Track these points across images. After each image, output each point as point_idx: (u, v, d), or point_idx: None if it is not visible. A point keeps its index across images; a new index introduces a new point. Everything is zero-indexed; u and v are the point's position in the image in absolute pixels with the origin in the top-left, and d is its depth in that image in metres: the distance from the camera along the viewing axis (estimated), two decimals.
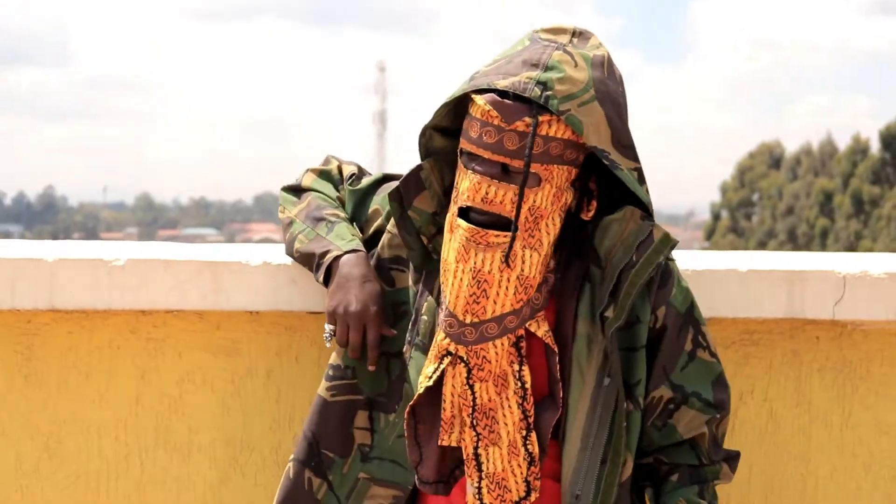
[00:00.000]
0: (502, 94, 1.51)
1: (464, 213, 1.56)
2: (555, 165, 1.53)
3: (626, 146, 1.57)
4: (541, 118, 1.50)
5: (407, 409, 1.62)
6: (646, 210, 1.60)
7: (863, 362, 2.00)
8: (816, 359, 2.00)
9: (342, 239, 1.71)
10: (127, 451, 2.00)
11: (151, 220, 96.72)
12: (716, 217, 48.91)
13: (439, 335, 1.59)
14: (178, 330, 1.99)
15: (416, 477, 1.64)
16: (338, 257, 1.68)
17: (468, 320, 1.55)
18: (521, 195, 1.51)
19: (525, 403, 1.59)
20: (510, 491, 1.59)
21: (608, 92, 1.55)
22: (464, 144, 1.56)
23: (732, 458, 1.70)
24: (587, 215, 1.59)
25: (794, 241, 41.55)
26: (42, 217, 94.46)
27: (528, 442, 1.59)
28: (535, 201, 1.53)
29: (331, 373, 1.71)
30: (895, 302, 1.93)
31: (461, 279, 1.55)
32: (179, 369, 1.99)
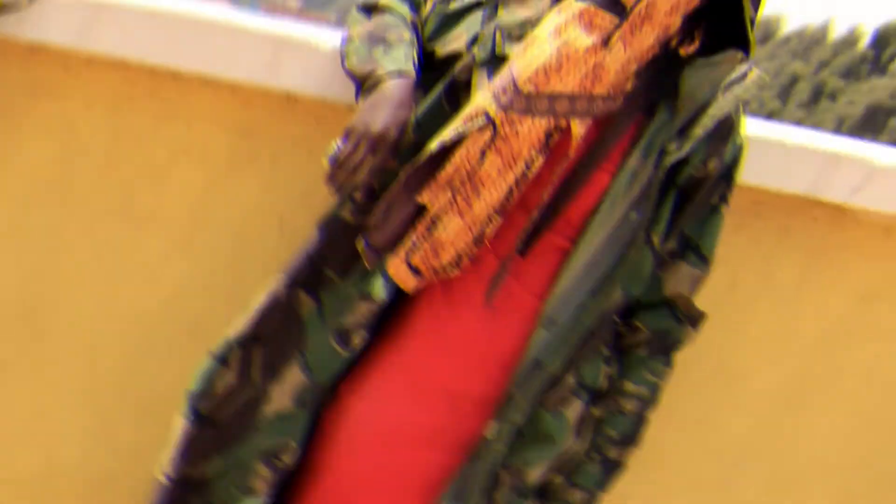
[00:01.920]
0: None
1: None
2: None
3: None
4: None
5: (434, 148, 1.52)
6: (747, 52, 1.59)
7: (838, 249, 2.07)
8: (798, 238, 2.06)
9: (394, 62, 1.59)
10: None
11: None
12: None
13: (481, 96, 1.53)
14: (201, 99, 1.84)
15: (364, 241, 1.58)
16: (382, 76, 1.57)
17: (526, 90, 1.51)
18: None
19: (516, 189, 1.55)
20: (439, 257, 1.56)
21: None
22: None
23: (699, 320, 1.72)
24: (686, 50, 1.57)
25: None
26: None
27: (490, 223, 1.56)
28: None
29: (358, 198, 1.61)
30: None
31: (545, 50, 1.50)
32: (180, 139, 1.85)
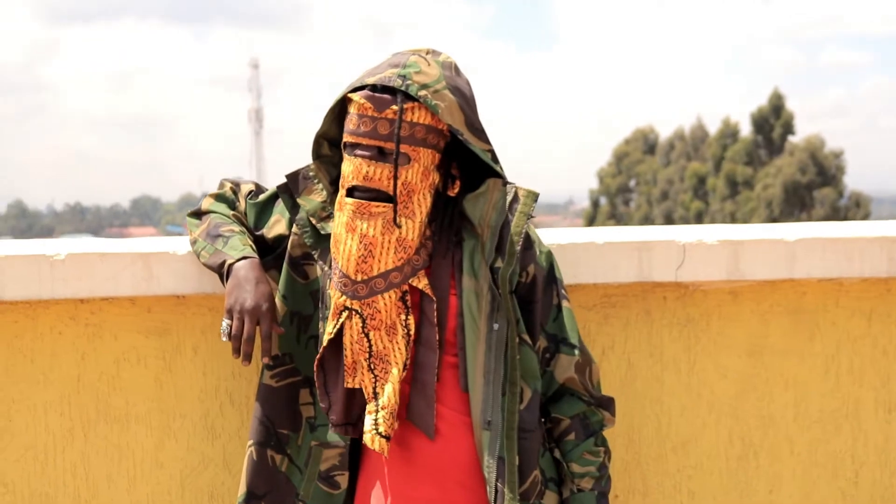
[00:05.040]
0: (373, 90, 1.85)
1: (350, 193, 1.88)
2: (420, 148, 1.87)
3: (478, 129, 1.92)
4: (405, 105, 1.84)
5: (315, 363, 1.93)
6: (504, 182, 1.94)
7: (703, 317, 2.34)
8: (665, 316, 2.34)
9: (235, 249, 2.01)
10: (71, 425, 2.28)
11: (26, 227, 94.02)
12: (595, 204, 50.17)
13: (335, 295, 1.90)
14: (114, 315, 2.28)
15: (329, 421, 1.94)
16: (232, 264, 1.99)
17: (359, 278, 1.87)
18: (395, 169, 1.84)
19: (409, 347, 1.90)
20: (395, 417, 1.90)
21: (457, 85, 1.90)
22: (346, 137, 1.89)
23: (609, 403, 2.03)
24: (452, 192, 1.93)
25: (672, 225, 42.09)
26: None
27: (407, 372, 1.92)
28: (406, 177, 1.86)
29: (271, 363, 2.01)
30: (726, 264, 2.27)
31: (351, 245, 1.87)
32: (116, 350, 2.29)
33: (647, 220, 45.12)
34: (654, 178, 46.88)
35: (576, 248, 2.25)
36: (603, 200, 49.69)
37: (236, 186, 2.16)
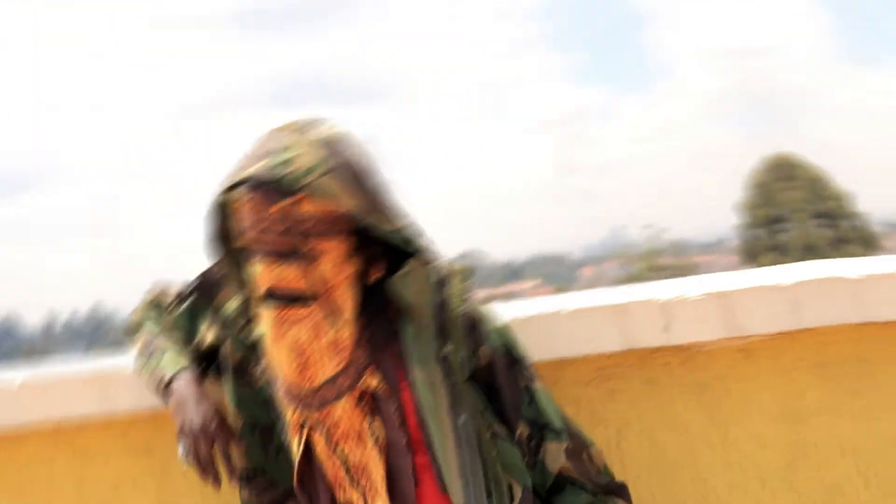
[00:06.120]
0: (253, 186, 1.66)
1: (265, 298, 1.70)
2: (323, 241, 1.67)
3: (382, 206, 1.70)
4: (291, 199, 1.64)
5: (295, 484, 1.78)
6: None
7: (717, 381, 2.08)
8: (674, 384, 2.09)
9: (167, 368, 1.85)
10: None
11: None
12: (746, 239, 48.09)
13: (289, 411, 1.75)
14: (99, 438, 2.20)
15: None
16: (168, 384, 1.83)
17: (306, 389, 1.72)
18: (307, 271, 1.67)
19: (383, 454, 1.73)
20: None
21: (346, 162, 1.68)
22: (240, 239, 1.73)
23: (621, 490, 1.81)
24: (370, 280, 1.75)
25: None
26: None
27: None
28: (319, 275, 1.68)
29: (244, 478, 1.86)
30: (721, 320, 2.01)
31: (282, 358, 1.71)
32: (109, 475, 2.21)
33: (809, 250, 43.37)
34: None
35: (543, 319, 2.04)
36: (755, 233, 48.14)
37: (165, 291, 2.01)
